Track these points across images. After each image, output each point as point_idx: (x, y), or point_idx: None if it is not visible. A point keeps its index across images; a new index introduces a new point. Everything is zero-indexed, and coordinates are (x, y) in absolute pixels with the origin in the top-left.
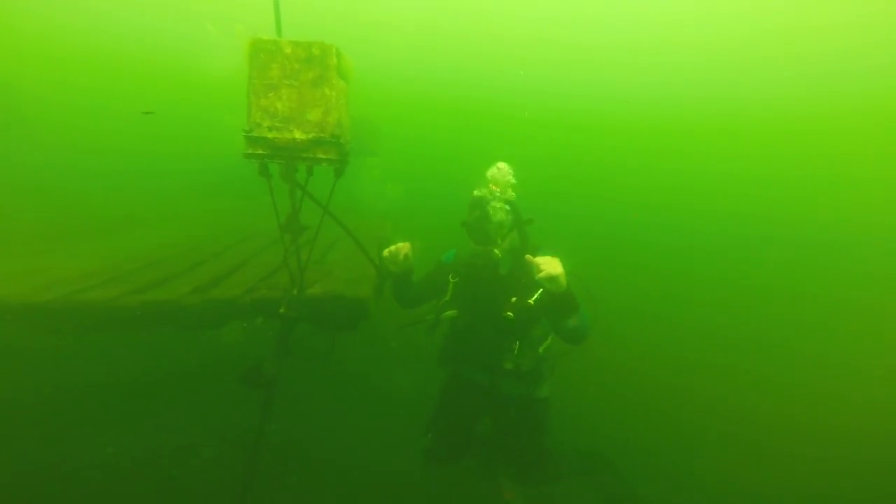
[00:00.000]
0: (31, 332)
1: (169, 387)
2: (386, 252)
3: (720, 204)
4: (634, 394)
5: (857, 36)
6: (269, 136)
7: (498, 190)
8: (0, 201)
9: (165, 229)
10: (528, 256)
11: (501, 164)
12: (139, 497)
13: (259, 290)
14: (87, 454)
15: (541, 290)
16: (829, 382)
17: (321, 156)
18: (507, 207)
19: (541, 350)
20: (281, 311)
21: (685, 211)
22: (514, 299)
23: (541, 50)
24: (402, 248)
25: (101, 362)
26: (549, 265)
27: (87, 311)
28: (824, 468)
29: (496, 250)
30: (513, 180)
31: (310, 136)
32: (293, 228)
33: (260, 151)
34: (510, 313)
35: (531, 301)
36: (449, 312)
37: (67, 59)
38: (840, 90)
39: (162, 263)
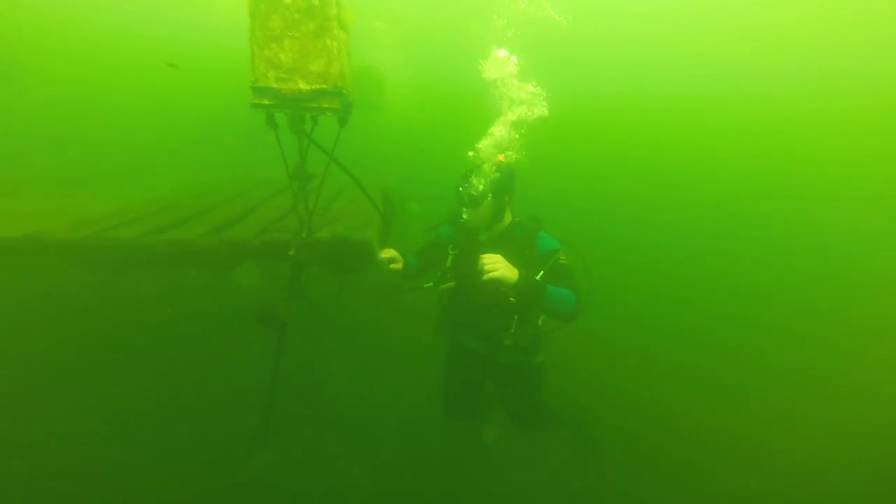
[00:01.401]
0: (67, 268)
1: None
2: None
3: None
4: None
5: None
6: (276, 86)
7: (480, 157)
8: (18, 150)
9: (176, 177)
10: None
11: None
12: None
13: (270, 233)
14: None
15: (542, 272)
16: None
17: (325, 106)
18: (488, 176)
19: (539, 322)
20: (291, 253)
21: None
22: None
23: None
24: (389, 257)
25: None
26: (491, 266)
27: (116, 248)
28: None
29: (464, 215)
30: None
31: (313, 86)
32: (301, 176)
33: (266, 102)
34: (512, 298)
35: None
36: (449, 284)
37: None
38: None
39: (177, 207)
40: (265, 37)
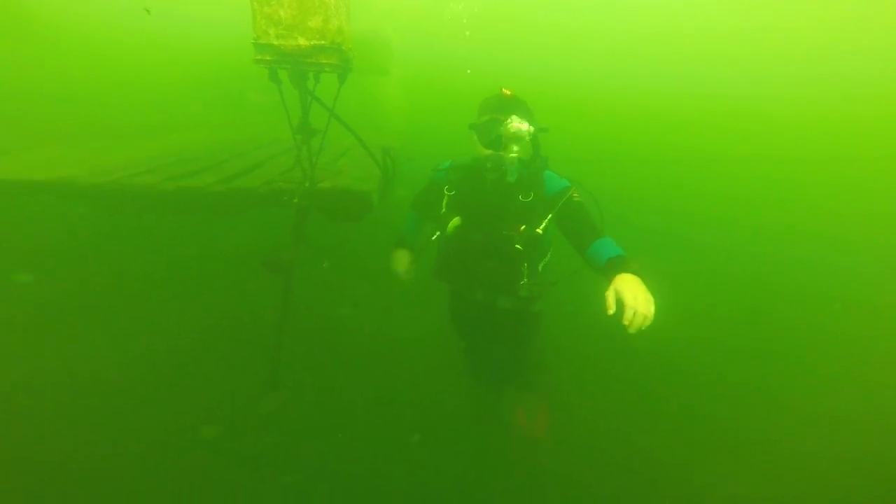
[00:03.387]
0: (91, 210)
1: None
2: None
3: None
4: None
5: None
6: (276, 43)
7: (513, 94)
8: (44, 106)
9: (190, 135)
10: (608, 296)
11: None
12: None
13: (276, 182)
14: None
15: (549, 216)
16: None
17: (324, 61)
18: (524, 111)
19: (540, 268)
20: (295, 201)
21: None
22: (522, 227)
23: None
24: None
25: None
26: (640, 307)
27: (134, 193)
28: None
29: (508, 155)
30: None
31: (312, 42)
32: (304, 130)
33: (268, 58)
34: (519, 246)
35: (539, 230)
36: (454, 222)
37: None
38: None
39: (191, 160)
40: None
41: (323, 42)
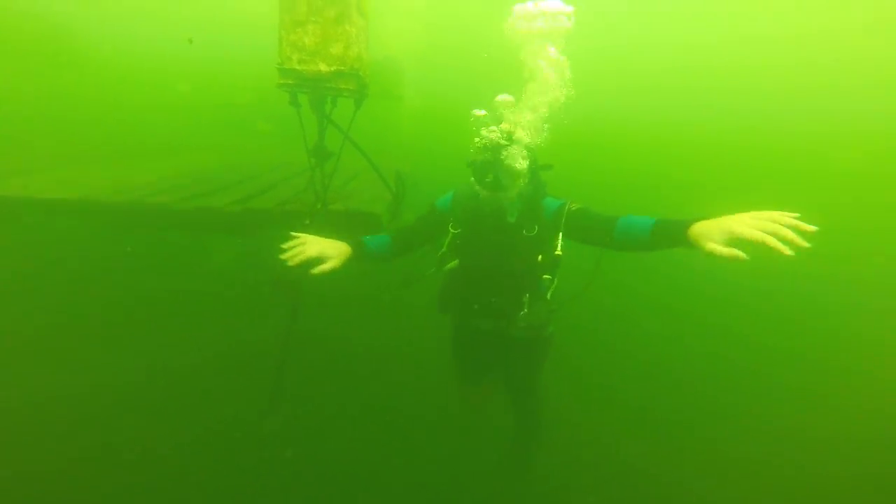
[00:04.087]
0: (107, 230)
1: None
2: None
3: None
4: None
5: None
6: (298, 68)
7: (511, 129)
8: (67, 127)
9: (204, 156)
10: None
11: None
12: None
13: (289, 204)
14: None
15: (560, 235)
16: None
17: (342, 87)
18: (525, 152)
19: (549, 295)
20: (306, 222)
21: None
22: (539, 257)
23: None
24: (305, 248)
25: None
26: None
27: (152, 212)
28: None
29: (506, 199)
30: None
31: (332, 68)
32: (319, 153)
33: (290, 82)
34: (547, 276)
35: (558, 252)
36: (452, 263)
37: None
38: None
39: (207, 180)
40: (291, 21)
41: (342, 68)
